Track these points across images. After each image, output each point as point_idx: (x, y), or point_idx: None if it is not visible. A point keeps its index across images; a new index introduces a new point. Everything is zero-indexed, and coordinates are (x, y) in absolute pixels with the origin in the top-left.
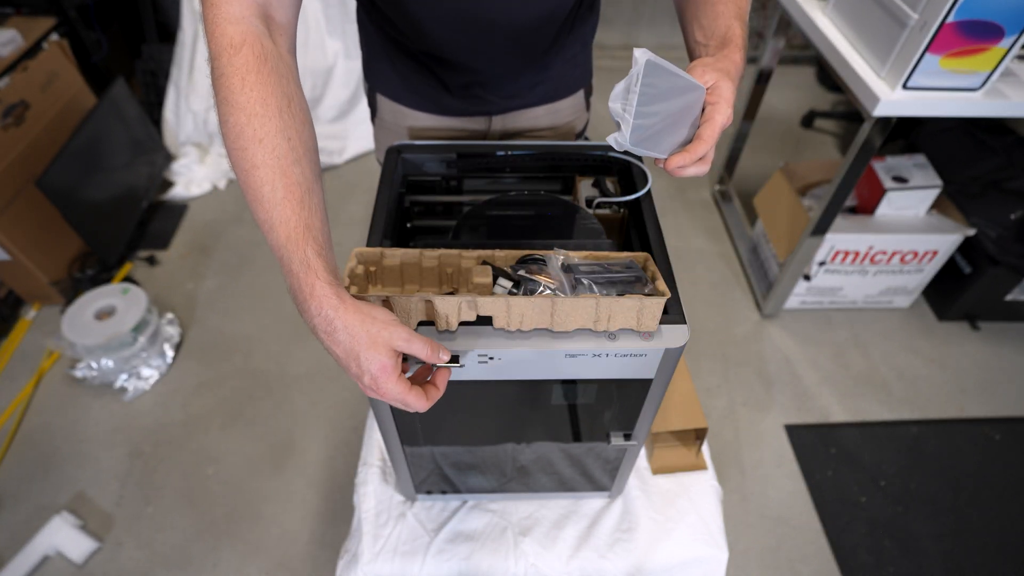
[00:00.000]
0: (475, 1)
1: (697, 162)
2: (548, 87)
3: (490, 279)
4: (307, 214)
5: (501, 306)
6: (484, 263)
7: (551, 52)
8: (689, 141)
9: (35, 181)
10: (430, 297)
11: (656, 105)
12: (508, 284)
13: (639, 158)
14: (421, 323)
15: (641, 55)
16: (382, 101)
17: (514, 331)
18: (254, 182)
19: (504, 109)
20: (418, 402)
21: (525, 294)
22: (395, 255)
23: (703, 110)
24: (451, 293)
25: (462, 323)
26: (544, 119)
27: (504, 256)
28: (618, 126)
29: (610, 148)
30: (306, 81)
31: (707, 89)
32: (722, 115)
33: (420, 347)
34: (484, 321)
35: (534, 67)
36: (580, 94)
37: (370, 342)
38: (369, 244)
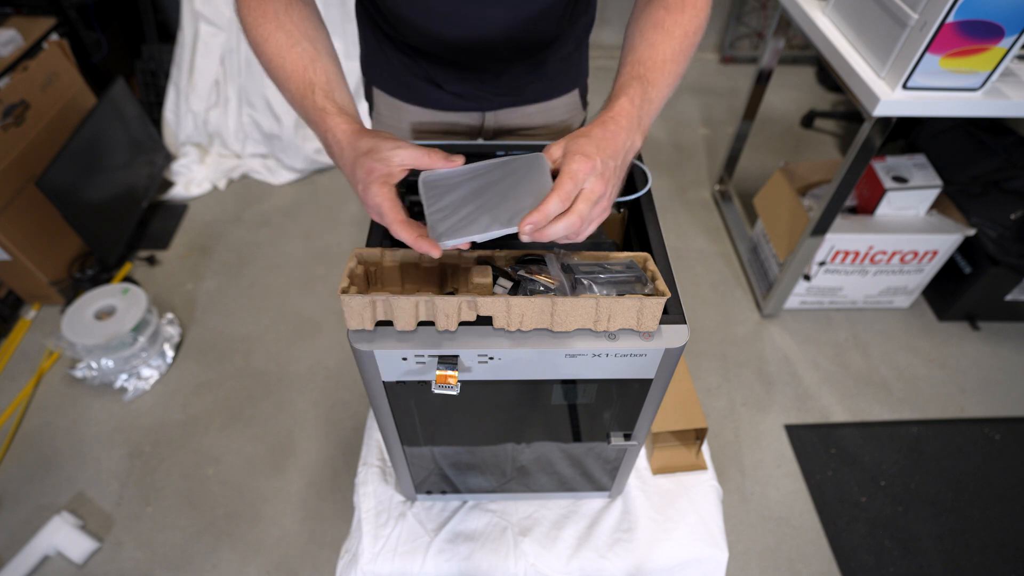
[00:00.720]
0: None
1: (563, 224)
2: (541, 85)
3: (490, 279)
4: (310, 76)
5: (501, 306)
6: (484, 263)
7: (544, 51)
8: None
9: (35, 181)
10: (430, 297)
11: (463, 199)
12: (508, 284)
13: (640, 157)
14: (421, 323)
15: (421, 179)
16: (378, 95)
17: (514, 331)
18: (273, 73)
19: (497, 106)
20: (394, 215)
21: (525, 294)
22: (395, 255)
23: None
24: (451, 293)
25: (462, 323)
26: (537, 117)
27: (504, 256)
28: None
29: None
30: None
31: (556, 162)
32: (572, 166)
33: (409, 156)
34: (484, 321)
35: (526, 65)
36: (575, 93)
37: (366, 151)
38: (369, 244)
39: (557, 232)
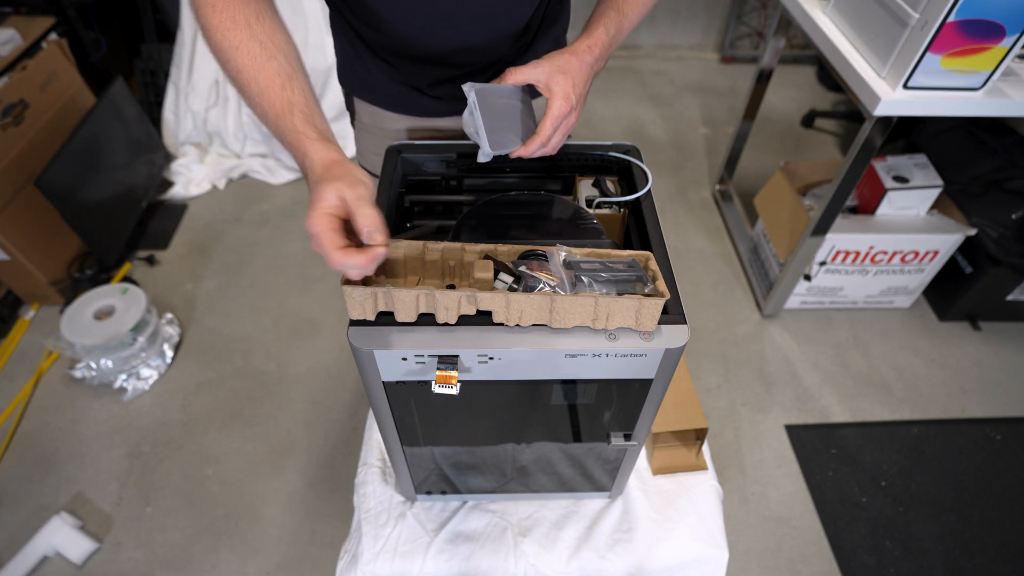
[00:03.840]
0: None
1: (541, 148)
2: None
3: (491, 274)
4: (288, 95)
5: (501, 301)
6: (487, 257)
7: (520, 50)
8: (533, 128)
9: (34, 181)
10: (430, 290)
11: (496, 117)
12: (509, 279)
13: (640, 158)
14: (422, 315)
15: (468, 89)
16: (360, 105)
17: (514, 327)
18: (242, 85)
19: None
20: (329, 244)
21: (525, 290)
22: (399, 247)
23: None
24: (452, 287)
25: (462, 317)
26: None
27: (507, 251)
28: (477, 144)
29: (610, 148)
30: None
31: (541, 85)
32: (555, 108)
33: (355, 200)
34: (484, 315)
35: (503, 66)
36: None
37: (325, 179)
38: None
39: (539, 154)
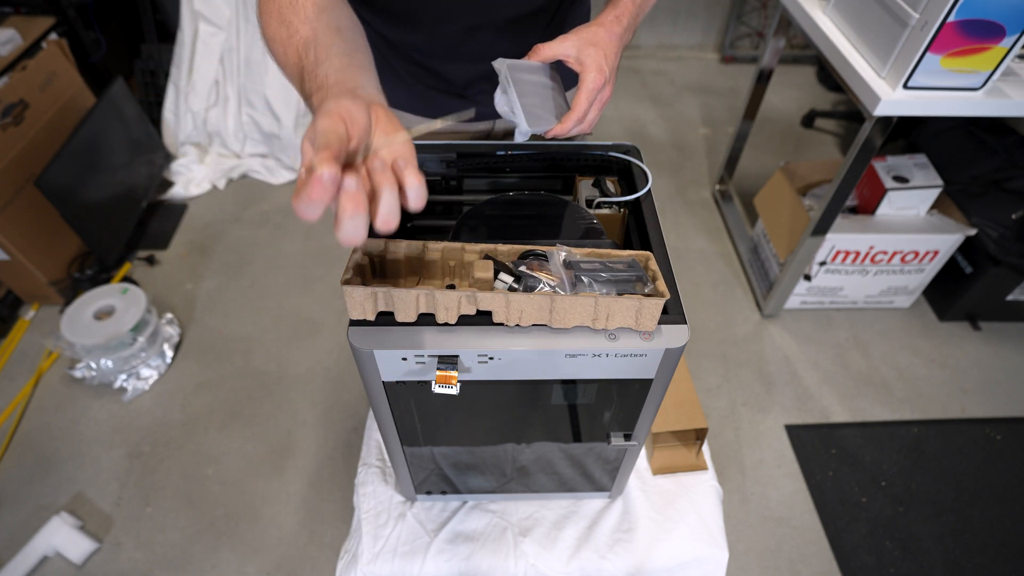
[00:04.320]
0: None
1: (577, 129)
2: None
3: (491, 274)
4: (303, 63)
5: (501, 301)
6: (487, 257)
7: (551, 34)
8: (564, 106)
9: (34, 181)
10: (430, 290)
11: (529, 94)
12: (509, 279)
13: (640, 158)
14: (422, 315)
15: (500, 64)
16: None
17: (514, 326)
18: (284, 74)
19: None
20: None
21: (525, 290)
22: (399, 247)
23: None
24: (452, 287)
25: (462, 317)
26: None
27: (507, 251)
28: (512, 124)
29: (610, 148)
30: None
31: (571, 59)
32: (590, 81)
33: (321, 124)
34: (484, 315)
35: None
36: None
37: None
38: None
39: (575, 132)
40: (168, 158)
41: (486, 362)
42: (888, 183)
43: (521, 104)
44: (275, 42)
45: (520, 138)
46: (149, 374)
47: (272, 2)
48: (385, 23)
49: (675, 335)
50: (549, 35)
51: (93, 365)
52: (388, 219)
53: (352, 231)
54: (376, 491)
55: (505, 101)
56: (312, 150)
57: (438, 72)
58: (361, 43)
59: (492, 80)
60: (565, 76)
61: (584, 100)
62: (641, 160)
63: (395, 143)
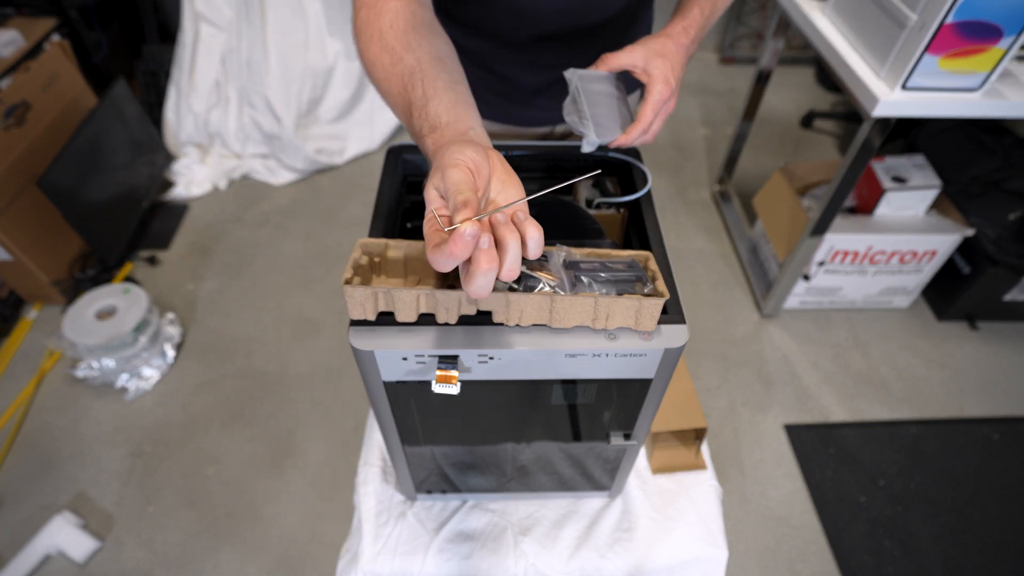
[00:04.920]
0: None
1: (642, 135)
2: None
3: None
4: (409, 95)
5: (501, 301)
6: None
7: (623, 43)
8: (628, 117)
9: (36, 181)
10: (431, 290)
11: (597, 104)
12: None
13: (640, 158)
14: (422, 315)
15: (571, 75)
16: None
17: (514, 326)
18: (385, 101)
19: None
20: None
21: (525, 290)
22: (399, 247)
23: (641, 90)
24: (452, 287)
25: (462, 317)
26: None
27: None
28: (580, 134)
29: (609, 149)
30: (306, 81)
31: (638, 69)
32: (656, 93)
33: (453, 176)
34: (484, 315)
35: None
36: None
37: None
38: (371, 235)
39: (639, 143)
40: (169, 158)
41: (486, 362)
42: (887, 183)
43: (590, 115)
44: (376, 67)
45: (587, 148)
46: (151, 374)
47: (371, 24)
48: (457, 29)
49: (675, 335)
50: (615, 45)
51: (95, 365)
52: (512, 271)
53: (485, 285)
54: (376, 490)
55: (574, 111)
56: (439, 199)
57: (507, 78)
58: (460, 72)
59: (557, 87)
60: (627, 81)
61: (650, 111)
62: (641, 160)
63: (510, 193)
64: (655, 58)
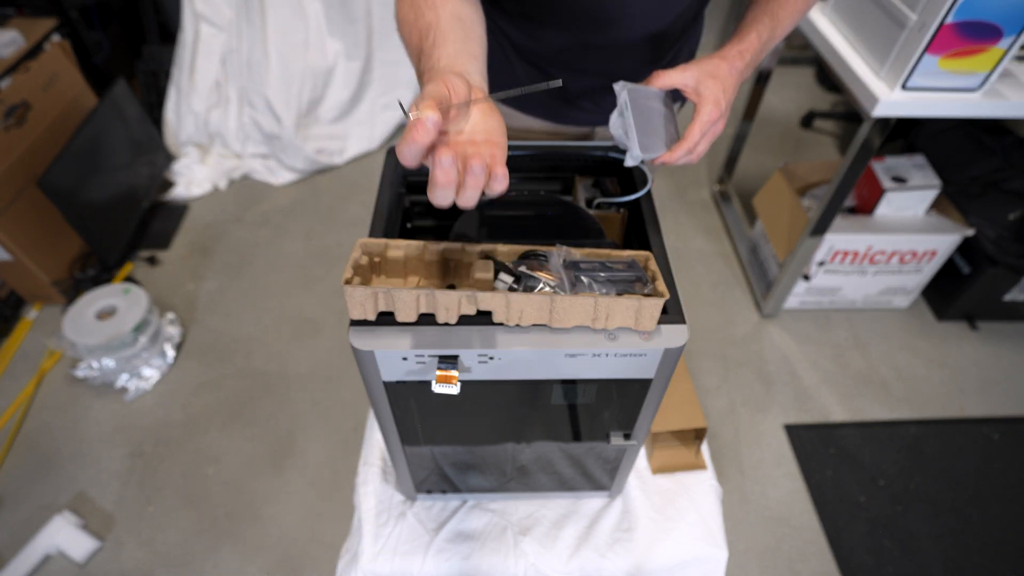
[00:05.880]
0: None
1: (687, 155)
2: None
3: (491, 274)
4: (421, 44)
5: (501, 301)
6: (487, 257)
7: (664, 62)
8: (675, 135)
9: (36, 181)
10: (431, 290)
11: (644, 120)
12: (509, 279)
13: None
14: (422, 315)
15: (620, 88)
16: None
17: (514, 327)
18: (409, 52)
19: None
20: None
21: (525, 290)
22: (399, 247)
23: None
24: (452, 287)
25: (462, 317)
26: None
27: (507, 251)
28: (624, 147)
29: (609, 149)
30: (307, 81)
31: (690, 89)
32: (705, 114)
33: (427, 89)
34: (484, 315)
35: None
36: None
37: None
38: (372, 235)
39: (682, 162)
40: (169, 159)
41: (486, 362)
42: (886, 183)
43: (636, 130)
44: (404, 24)
45: (630, 162)
46: (151, 374)
47: None
48: (510, 24)
49: (674, 335)
50: (660, 56)
51: (95, 365)
52: (470, 196)
53: (443, 197)
54: (376, 490)
55: (620, 124)
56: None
57: (553, 78)
58: (478, 32)
59: (601, 92)
60: (675, 94)
61: (697, 132)
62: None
63: (490, 124)
64: (707, 79)
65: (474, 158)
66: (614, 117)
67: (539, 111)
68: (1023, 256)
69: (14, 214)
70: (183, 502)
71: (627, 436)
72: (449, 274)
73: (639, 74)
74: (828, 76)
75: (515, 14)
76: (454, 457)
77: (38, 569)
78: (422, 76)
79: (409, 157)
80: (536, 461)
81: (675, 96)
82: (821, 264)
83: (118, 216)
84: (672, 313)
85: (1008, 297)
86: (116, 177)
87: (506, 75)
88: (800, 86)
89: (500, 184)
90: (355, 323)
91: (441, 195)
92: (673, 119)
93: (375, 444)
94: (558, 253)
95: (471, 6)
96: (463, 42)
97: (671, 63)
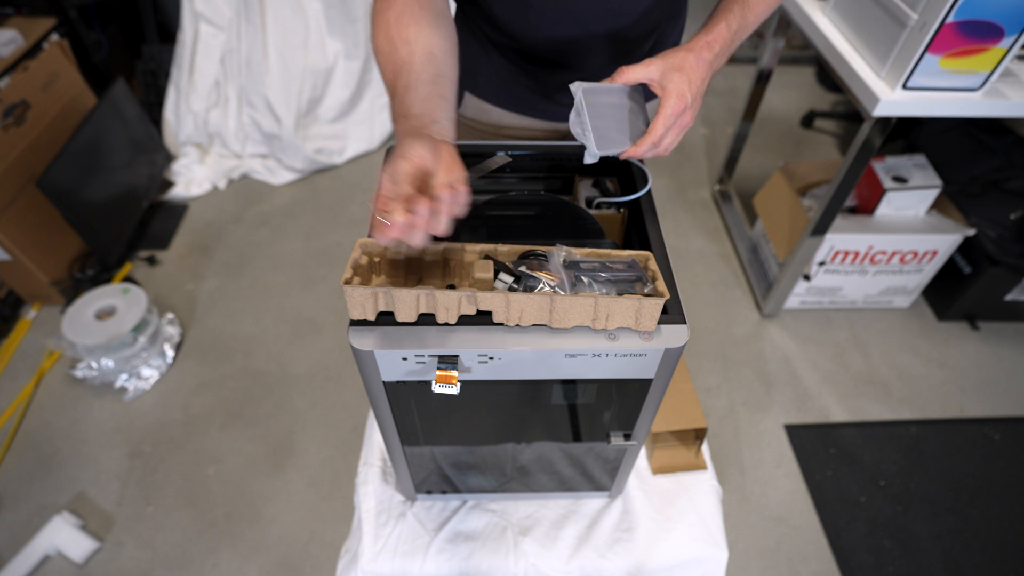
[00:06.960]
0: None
1: (652, 148)
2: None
3: (491, 274)
4: (394, 82)
5: (501, 301)
6: (487, 257)
7: (638, 55)
8: (643, 129)
9: (36, 181)
10: (431, 290)
11: (604, 117)
12: (509, 279)
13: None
14: (422, 315)
15: (576, 88)
16: (469, 99)
17: (514, 326)
18: (385, 83)
19: None
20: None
21: (525, 290)
22: (399, 247)
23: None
24: (452, 287)
25: (462, 317)
26: None
27: (507, 251)
28: (583, 145)
29: (619, 160)
30: (306, 81)
31: (654, 83)
32: (669, 107)
33: (401, 167)
34: (484, 315)
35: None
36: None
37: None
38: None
39: (649, 155)
40: (169, 158)
41: (486, 362)
42: (887, 183)
43: (592, 127)
44: (379, 54)
45: (589, 159)
46: (150, 374)
47: (383, 16)
48: (486, 22)
49: (675, 335)
50: (632, 50)
51: (94, 365)
52: (441, 230)
53: (420, 240)
54: (376, 490)
55: (578, 123)
56: (388, 182)
57: (533, 75)
58: (448, 67)
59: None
60: (648, 90)
61: (661, 125)
62: (641, 160)
63: (454, 176)
64: (671, 72)
65: (419, 201)
66: (572, 116)
67: (515, 106)
68: (1023, 256)
69: (13, 214)
70: (183, 502)
71: (627, 436)
72: (449, 274)
73: (611, 69)
74: (829, 76)
75: (484, 11)
76: (454, 457)
77: (37, 569)
78: (396, 121)
79: (384, 242)
80: (536, 461)
81: (649, 95)
82: (821, 264)
83: (117, 216)
84: (672, 313)
85: (1009, 297)
86: (115, 177)
87: (484, 67)
88: (800, 86)
89: (460, 204)
90: (355, 323)
91: (418, 238)
92: (642, 113)
93: (375, 444)
94: (558, 253)
95: (443, 34)
96: (433, 83)
97: (649, 56)
